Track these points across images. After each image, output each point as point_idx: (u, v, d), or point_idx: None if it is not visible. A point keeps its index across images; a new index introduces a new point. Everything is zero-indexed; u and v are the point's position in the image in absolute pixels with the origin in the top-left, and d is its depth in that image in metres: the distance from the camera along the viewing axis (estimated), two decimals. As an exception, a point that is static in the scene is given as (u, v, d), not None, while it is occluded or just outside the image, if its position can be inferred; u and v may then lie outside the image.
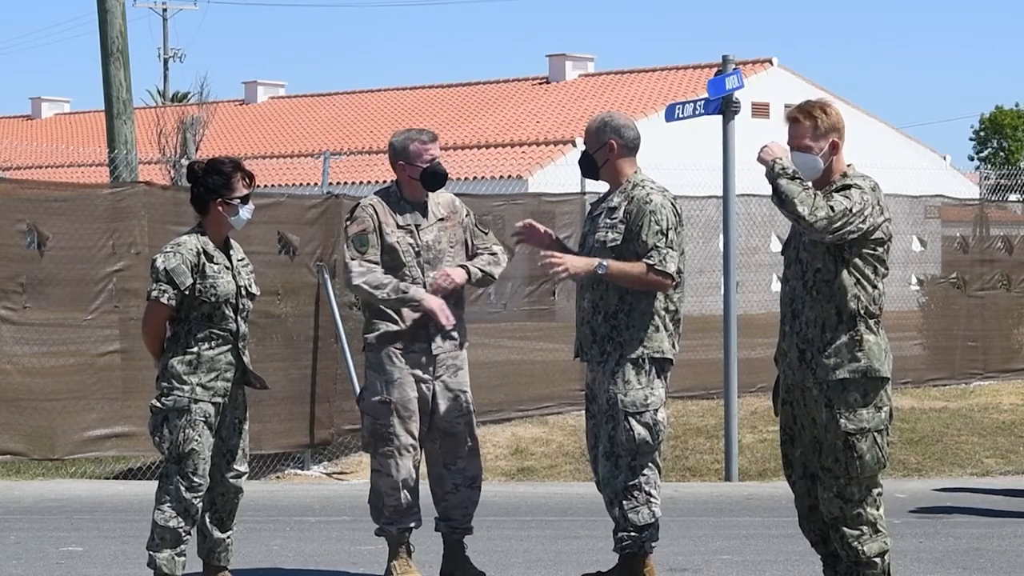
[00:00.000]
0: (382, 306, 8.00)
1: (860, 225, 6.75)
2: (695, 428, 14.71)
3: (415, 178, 8.12)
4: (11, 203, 12.81)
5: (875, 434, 6.84)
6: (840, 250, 6.82)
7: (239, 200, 7.53)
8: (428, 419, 8.09)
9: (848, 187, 6.81)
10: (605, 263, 7.56)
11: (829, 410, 6.82)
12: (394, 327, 8.02)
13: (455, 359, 8.13)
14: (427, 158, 8.10)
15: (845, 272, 6.83)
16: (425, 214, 8.14)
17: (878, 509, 6.91)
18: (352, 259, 8.00)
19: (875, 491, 6.90)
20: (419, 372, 8.04)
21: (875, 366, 6.84)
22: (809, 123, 6.91)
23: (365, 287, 7.95)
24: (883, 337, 6.90)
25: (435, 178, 8.13)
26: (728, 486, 12.78)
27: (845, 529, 6.87)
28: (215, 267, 7.50)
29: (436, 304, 7.95)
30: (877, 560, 6.88)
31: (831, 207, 6.69)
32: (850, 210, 6.72)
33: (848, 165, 7.00)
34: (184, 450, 7.42)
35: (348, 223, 8.12)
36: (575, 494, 11.96)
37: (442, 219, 8.18)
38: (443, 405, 8.09)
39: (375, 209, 8.10)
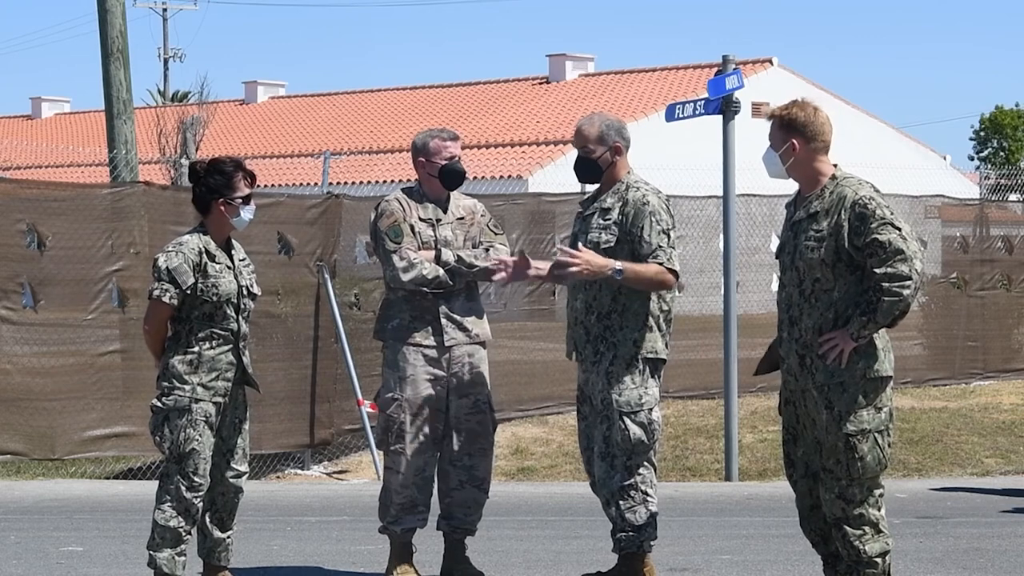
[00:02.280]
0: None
1: (913, 245, 6.76)
2: (695, 428, 14.71)
3: (434, 175, 8.16)
4: (11, 203, 12.82)
5: (876, 435, 6.82)
6: (851, 258, 6.79)
7: (241, 200, 7.54)
8: (444, 418, 8.11)
9: (876, 220, 6.73)
10: (621, 268, 7.49)
11: (829, 412, 6.81)
12: (407, 320, 8.06)
13: (471, 356, 8.14)
14: (446, 156, 8.14)
15: (852, 280, 6.80)
16: (445, 211, 8.19)
17: (879, 510, 6.90)
18: (392, 252, 8.03)
19: (877, 492, 6.89)
20: (435, 371, 8.06)
21: (875, 366, 6.83)
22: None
23: (412, 287, 7.99)
24: (882, 335, 6.89)
25: (453, 175, 8.17)
26: (728, 486, 12.77)
27: (847, 528, 6.86)
28: (217, 266, 7.51)
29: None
30: (878, 560, 6.87)
31: (901, 252, 6.64)
32: (905, 241, 6.70)
33: (834, 165, 6.99)
34: (185, 450, 7.43)
35: (377, 220, 8.14)
36: (575, 494, 11.95)
37: (460, 219, 8.22)
38: (455, 402, 8.11)
39: (400, 203, 8.15)
